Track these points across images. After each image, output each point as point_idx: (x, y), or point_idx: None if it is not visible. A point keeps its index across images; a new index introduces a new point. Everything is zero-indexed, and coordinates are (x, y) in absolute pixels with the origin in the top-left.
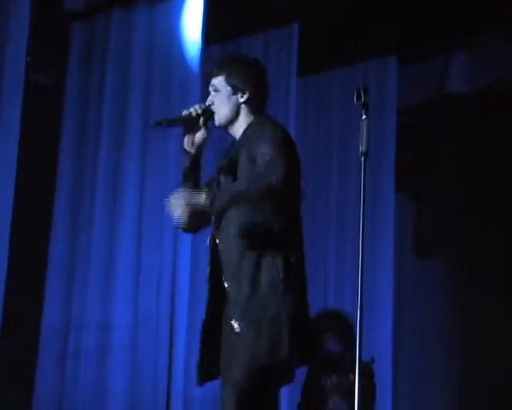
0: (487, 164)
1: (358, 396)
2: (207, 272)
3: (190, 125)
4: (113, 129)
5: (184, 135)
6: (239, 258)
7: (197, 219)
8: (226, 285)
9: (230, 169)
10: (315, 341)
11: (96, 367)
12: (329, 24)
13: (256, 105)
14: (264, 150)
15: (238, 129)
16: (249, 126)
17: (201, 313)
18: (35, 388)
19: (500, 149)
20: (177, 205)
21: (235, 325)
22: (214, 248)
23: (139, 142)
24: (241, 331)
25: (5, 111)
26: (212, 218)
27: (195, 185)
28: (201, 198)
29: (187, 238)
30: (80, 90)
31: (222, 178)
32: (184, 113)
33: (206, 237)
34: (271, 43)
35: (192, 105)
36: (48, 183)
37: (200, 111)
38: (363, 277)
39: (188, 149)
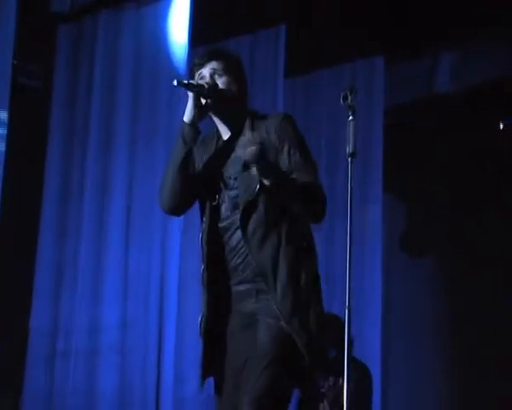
0: (475, 163)
1: (347, 397)
2: (203, 269)
3: (200, 95)
4: (100, 131)
5: (193, 107)
6: (275, 256)
7: (187, 201)
8: (256, 283)
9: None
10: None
11: (86, 369)
12: (316, 24)
13: (246, 99)
14: (298, 147)
15: (228, 120)
16: (252, 119)
17: (190, 315)
18: (24, 389)
19: (489, 148)
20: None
21: (285, 325)
22: (211, 246)
23: (127, 144)
24: (288, 332)
25: None
26: (226, 213)
27: (193, 165)
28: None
29: (175, 239)
30: (68, 91)
31: (251, 175)
32: (197, 82)
33: (194, 239)
34: (259, 43)
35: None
36: (36, 186)
37: (211, 87)
38: (351, 278)
39: (190, 122)
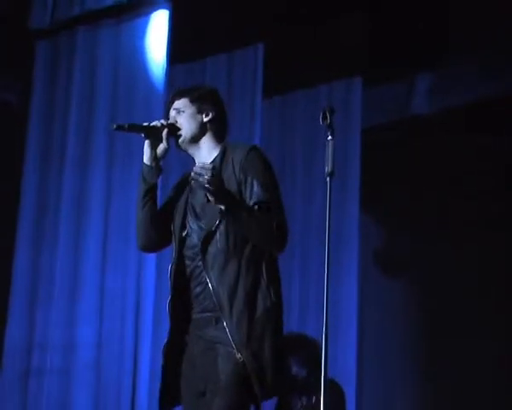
0: (451, 182)
1: None
2: (169, 299)
3: (152, 136)
4: (77, 147)
5: (147, 148)
6: (233, 287)
7: (161, 240)
8: (215, 312)
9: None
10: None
11: (60, 387)
12: (294, 45)
13: (220, 129)
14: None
15: (201, 151)
16: (224, 150)
17: (166, 332)
18: None
19: (464, 168)
20: (207, 175)
21: (238, 355)
22: (178, 276)
23: (104, 160)
24: (242, 360)
25: None
26: (188, 247)
27: (155, 202)
28: (229, 195)
29: (151, 259)
30: (45, 107)
31: (215, 206)
32: (147, 124)
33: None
34: (236, 63)
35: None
36: (12, 201)
37: (164, 123)
38: (329, 297)
39: (148, 162)
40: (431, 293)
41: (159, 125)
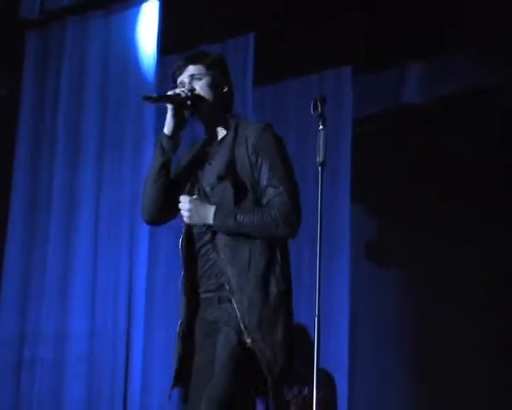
0: (443, 173)
1: (316, 407)
2: (182, 274)
3: (177, 106)
4: (68, 140)
5: (171, 118)
6: (245, 270)
7: (170, 212)
8: (218, 291)
9: (230, 173)
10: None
11: (52, 378)
12: (285, 33)
13: (231, 100)
14: (278, 172)
15: (215, 123)
16: (236, 128)
17: (158, 325)
18: None
19: (457, 159)
20: (184, 208)
21: (248, 339)
22: (187, 251)
23: (95, 154)
24: (254, 345)
25: None
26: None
27: (169, 176)
28: (210, 214)
29: (143, 250)
30: (35, 99)
31: (226, 187)
32: (172, 92)
33: (162, 248)
34: (228, 52)
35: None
36: (2, 194)
37: (188, 93)
38: (321, 286)
39: (169, 133)
40: (424, 285)
41: (183, 95)
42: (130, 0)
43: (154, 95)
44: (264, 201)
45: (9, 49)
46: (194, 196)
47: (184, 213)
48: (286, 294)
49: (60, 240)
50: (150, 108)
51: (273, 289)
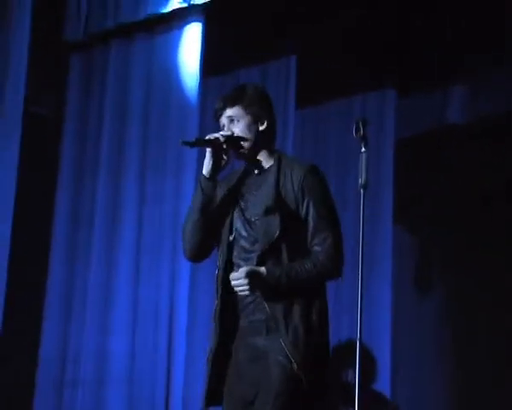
0: (487, 196)
1: None
2: (215, 306)
3: (216, 149)
4: (111, 161)
5: (210, 160)
6: (288, 301)
7: (209, 246)
8: (266, 321)
9: (277, 206)
10: None
11: (94, 398)
12: (328, 55)
13: (273, 135)
14: (323, 213)
15: (258, 159)
16: (279, 161)
17: (199, 346)
18: None
19: (501, 181)
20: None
21: (295, 366)
22: (226, 283)
23: (137, 174)
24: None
25: (4, 145)
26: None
27: (212, 215)
28: (275, 276)
29: (185, 270)
30: (79, 121)
31: (272, 219)
32: (210, 136)
33: (205, 270)
34: (269, 75)
35: (213, 133)
36: (46, 214)
37: (225, 135)
38: (363, 311)
39: (208, 175)
40: (466, 303)
41: (221, 139)
42: (173, 23)
43: (193, 139)
44: (312, 243)
45: (54, 72)
46: (245, 269)
47: (244, 288)
48: (326, 324)
49: (102, 259)
50: (192, 129)
51: (314, 317)
